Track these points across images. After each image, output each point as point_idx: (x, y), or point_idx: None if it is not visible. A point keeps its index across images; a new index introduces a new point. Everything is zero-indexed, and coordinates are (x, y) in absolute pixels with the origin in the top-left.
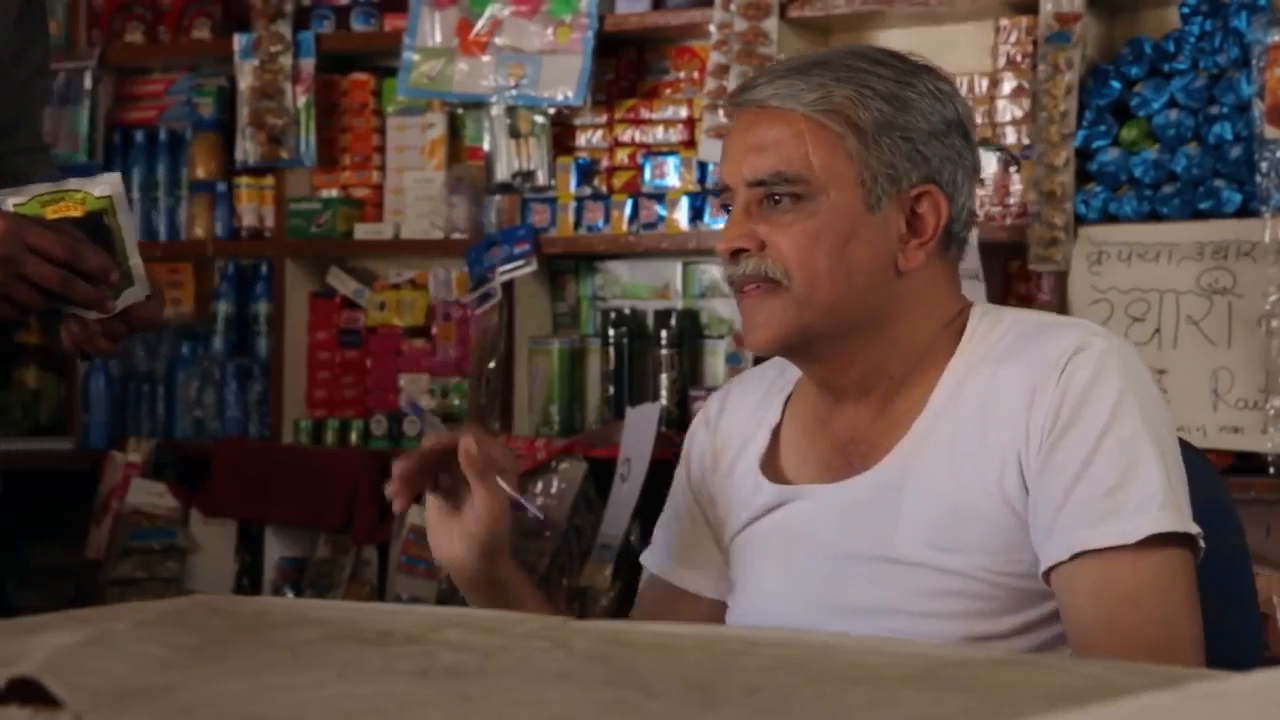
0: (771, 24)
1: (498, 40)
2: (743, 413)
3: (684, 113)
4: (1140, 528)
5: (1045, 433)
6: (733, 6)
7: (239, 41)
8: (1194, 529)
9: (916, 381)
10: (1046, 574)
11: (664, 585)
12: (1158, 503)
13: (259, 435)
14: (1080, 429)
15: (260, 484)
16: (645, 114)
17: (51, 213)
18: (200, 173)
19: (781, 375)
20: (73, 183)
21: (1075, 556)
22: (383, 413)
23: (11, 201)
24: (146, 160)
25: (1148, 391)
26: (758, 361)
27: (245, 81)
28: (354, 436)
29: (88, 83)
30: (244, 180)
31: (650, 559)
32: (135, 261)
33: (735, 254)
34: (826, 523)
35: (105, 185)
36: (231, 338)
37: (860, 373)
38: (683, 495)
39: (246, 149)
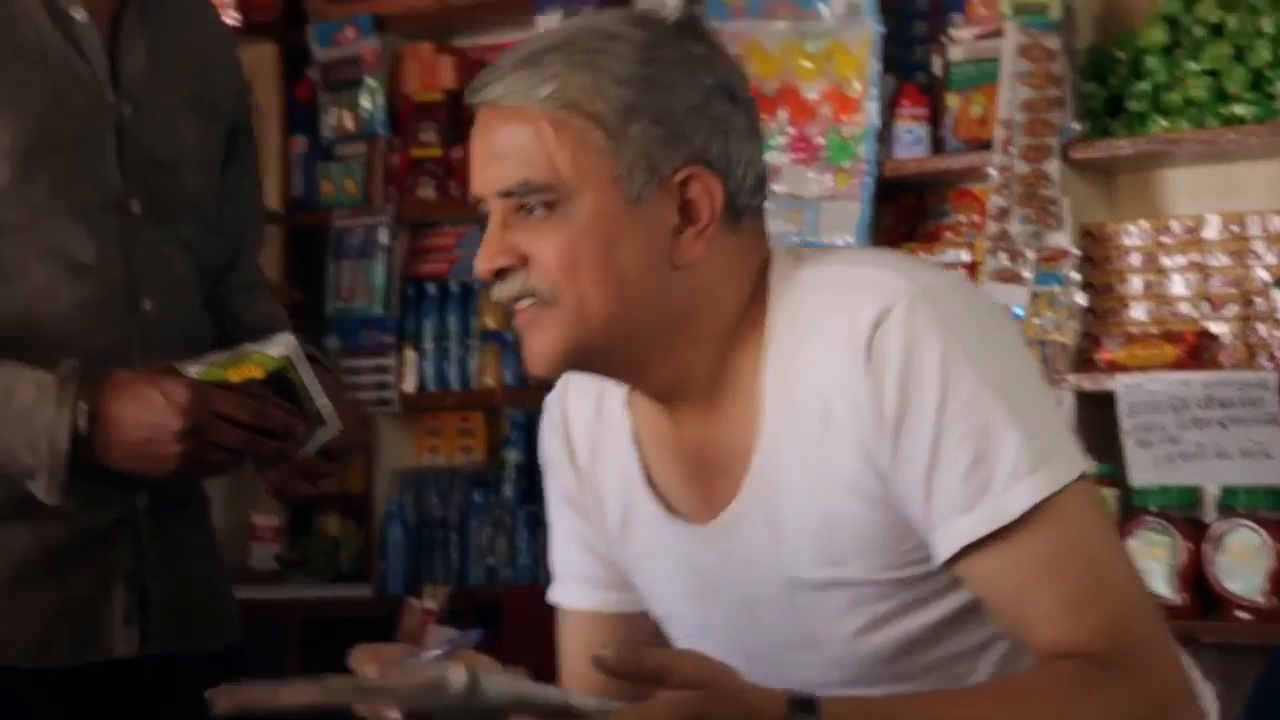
0: (1053, 166)
1: (777, 187)
2: (585, 418)
3: (965, 256)
4: (1016, 503)
5: (878, 425)
6: (1013, 149)
7: None
8: (1074, 473)
9: (734, 372)
10: (944, 566)
11: (590, 616)
12: (1026, 468)
13: (550, 582)
14: (914, 413)
15: (551, 631)
16: (926, 257)
17: (235, 375)
18: (489, 323)
19: None
20: (249, 347)
21: (966, 547)
22: None
23: (193, 370)
24: (438, 311)
25: (974, 331)
26: None
27: None
28: None
29: (383, 238)
30: None
31: (563, 594)
32: (324, 403)
33: (499, 273)
34: (717, 563)
35: (280, 346)
36: (521, 485)
37: (666, 378)
38: (565, 513)
39: None
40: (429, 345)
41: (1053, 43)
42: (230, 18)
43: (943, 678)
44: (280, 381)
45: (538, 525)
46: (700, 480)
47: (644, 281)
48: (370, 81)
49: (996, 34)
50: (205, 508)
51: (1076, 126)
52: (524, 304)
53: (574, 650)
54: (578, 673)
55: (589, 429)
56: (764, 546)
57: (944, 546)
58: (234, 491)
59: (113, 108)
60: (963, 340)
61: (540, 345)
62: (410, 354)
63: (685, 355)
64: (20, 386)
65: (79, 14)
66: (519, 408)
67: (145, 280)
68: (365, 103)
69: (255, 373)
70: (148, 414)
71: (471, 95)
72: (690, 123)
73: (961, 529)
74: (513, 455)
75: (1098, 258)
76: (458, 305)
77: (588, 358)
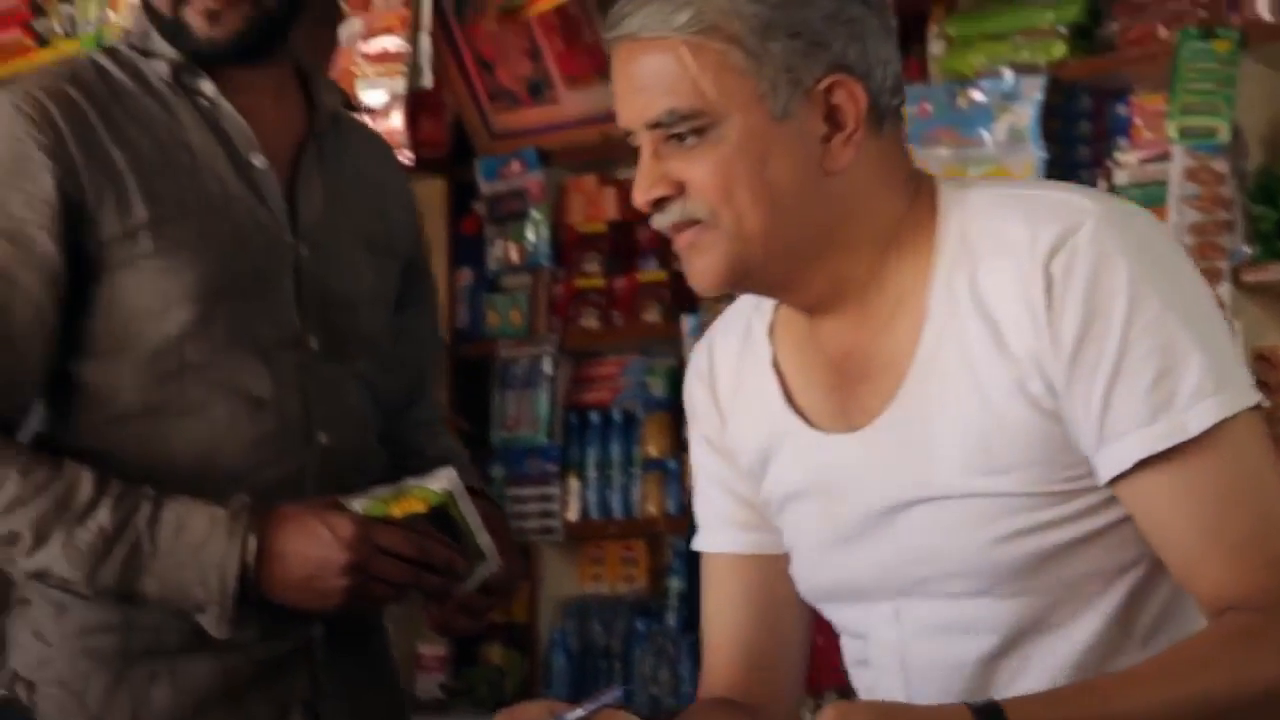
0: (1224, 290)
1: None
2: (730, 356)
3: None
4: (1199, 420)
5: (1055, 340)
6: None
7: (688, 323)
8: (1251, 399)
9: (896, 280)
10: (1109, 483)
11: (737, 560)
12: (1210, 388)
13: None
14: (1099, 328)
15: None
16: None
17: (398, 510)
18: (652, 451)
19: (758, 307)
20: (411, 481)
21: (1139, 464)
22: (831, 687)
23: (357, 504)
24: (601, 440)
25: (1157, 255)
26: None
27: None
28: (805, 712)
29: (547, 367)
30: None
31: (708, 540)
32: (484, 540)
33: (657, 203)
34: (858, 471)
35: (443, 481)
36: (684, 614)
37: (824, 288)
38: (708, 459)
39: None
40: (592, 474)
41: (1221, 166)
42: (404, 156)
43: (1072, 596)
44: (442, 516)
45: (700, 654)
46: (843, 389)
47: (799, 194)
48: (535, 214)
49: (1163, 158)
50: (384, 639)
51: (1247, 250)
52: (684, 230)
53: (720, 596)
54: (721, 620)
55: (734, 369)
56: (912, 453)
57: (1117, 461)
58: (400, 622)
59: (291, 248)
60: (1146, 262)
61: (704, 266)
62: (574, 483)
63: (843, 262)
64: (192, 522)
65: (259, 161)
66: (682, 536)
67: (321, 414)
68: (530, 234)
69: (418, 507)
70: (314, 549)
71: (608, 31)
72: (827, 31)
73: (1141, 442)
74: (675, 584)
75: (1273, 383)
76: (620, 434)
77: (749, 274)
